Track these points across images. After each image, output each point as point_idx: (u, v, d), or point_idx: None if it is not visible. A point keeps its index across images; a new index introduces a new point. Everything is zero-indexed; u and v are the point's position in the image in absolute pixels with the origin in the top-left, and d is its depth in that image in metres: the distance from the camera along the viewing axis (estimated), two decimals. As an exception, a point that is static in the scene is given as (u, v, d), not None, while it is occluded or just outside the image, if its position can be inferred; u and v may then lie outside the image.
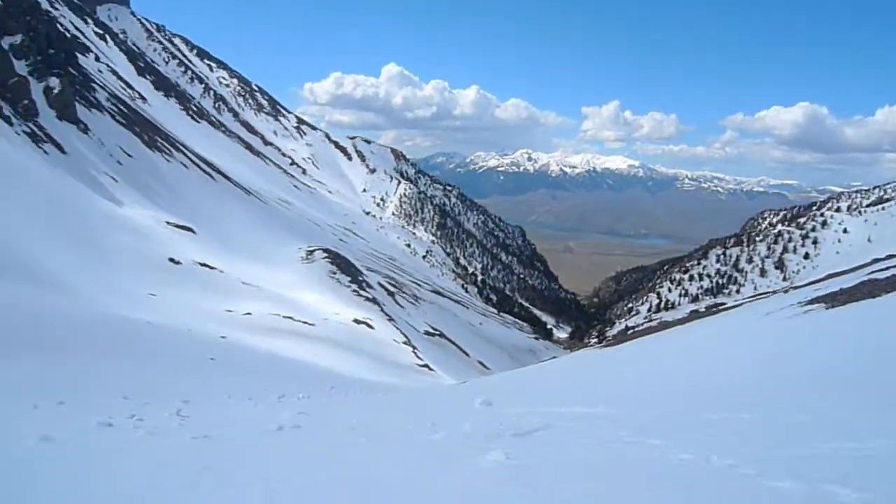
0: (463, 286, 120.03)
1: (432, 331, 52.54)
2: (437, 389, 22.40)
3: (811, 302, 17.47)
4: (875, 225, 75.42)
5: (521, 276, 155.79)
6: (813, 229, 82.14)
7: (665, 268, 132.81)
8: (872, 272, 21.88)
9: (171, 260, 37.51)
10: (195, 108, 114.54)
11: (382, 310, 46.60)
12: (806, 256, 77.72)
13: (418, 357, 37.55)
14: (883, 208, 79.89)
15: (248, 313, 33.75)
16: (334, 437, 5.79)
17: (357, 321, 40.71)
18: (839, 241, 77.15)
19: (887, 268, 21.33)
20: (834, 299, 16.54)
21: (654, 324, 64.60)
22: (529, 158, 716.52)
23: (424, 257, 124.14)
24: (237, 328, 29.82)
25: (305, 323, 35.62)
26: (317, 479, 3.68)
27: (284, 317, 35.39)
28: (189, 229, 45.50)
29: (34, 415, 7.20)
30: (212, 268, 39.72)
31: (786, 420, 4.78)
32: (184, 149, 68.54)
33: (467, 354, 51.40)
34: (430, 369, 35.44)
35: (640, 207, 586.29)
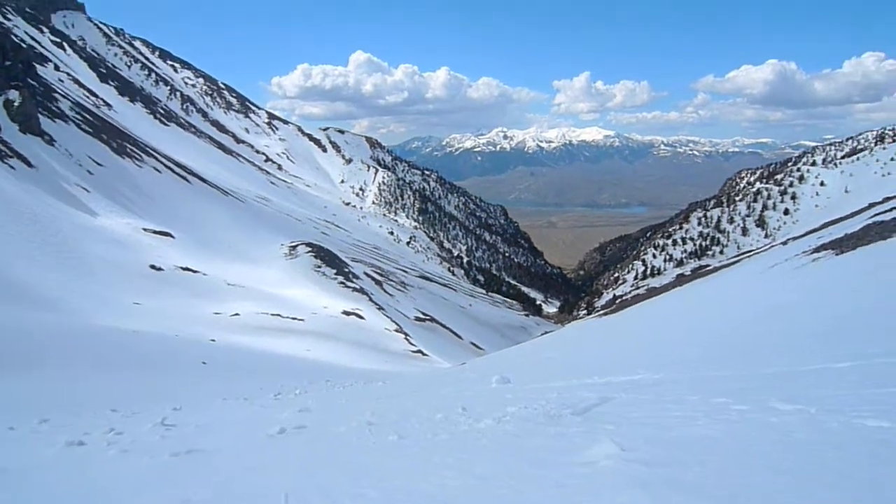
0: (449, 269, 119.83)
1: (423, 316, 52.35)
2: (438, 373, 22.22)
3: (817, 250, 17.01)
4: (851, 176, 76.22)
5: (507, 254, 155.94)
6: (791, 185, 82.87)
7: (648, 235, 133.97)
8: (875, 215, 21.44)
9: (153, 267, 36.80)
10: (162, 111, 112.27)
11: (371, 299, 46.27)
12: (786, 212, 78.48)
13: (411, 343, 37.38)
14: (857, 159, 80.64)
15: (237, 314, 33.29)
16: (353, 436, 4.81)
17: (346, 313, 40.38)
18: (817, 194, 77.94)
19: (891, 209, 20.86)
20: (841, 245, 16.05)
21: (641, 291, 65.08)
22: (505, 137, 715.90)
23: (408, 243, 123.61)
24: (226, 330, 29.40)
25: (294, 319, 35.23)
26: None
27: (273, 314, 34.96)
28: (168, 234, 44.67)
29: (5, 438, 6.66)
30: (195, 271, 39.07)
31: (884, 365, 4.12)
32: (154, 153, 67.16)
33: (460, 337, 51.34)
34: (424, 354, 35.30)
35: (618, 177, 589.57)
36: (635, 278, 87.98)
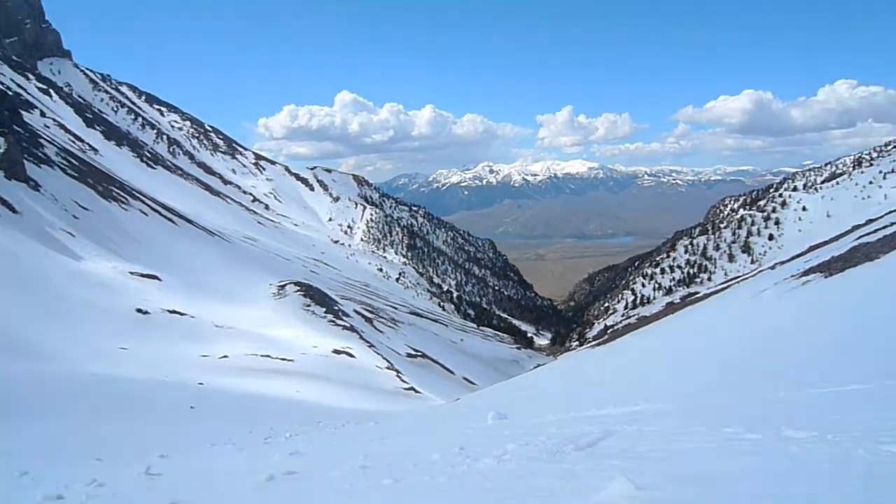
0: (440, 304, 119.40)
1: (414, 352, 51.89)
2: (432, 410, 21.88)
3: (805, 273, 17.19)
4: (832, 200, 77.48)
5: (496, 287, 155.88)
6: (773, 210, 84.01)
7: (636, 264, 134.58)
8: (860, 237, 21.61)
9: (139, 310, 36.32)
10: (149, 155, 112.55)
11: (361, 337, 45.85)
12: (770, 238, 79.35)
13: (403, 380, 36.92)
14: (837, 183, 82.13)
15: (225, 356, 32.78)
16: (346, 482, 4.52)
17: (337, 351, 39.92)
18: (800, 219, 78.98)
19: (875, 230, 21.11)
20: (829, 267, 16.34)
21: (632, 320, 65.00)
22: (491, 171, 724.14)
23: (398, 280, 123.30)
24: (215, 373, 28.89)
25: (284, 359, 34.74)
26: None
27: (262, 356, 34.46)
28: (154, 277, 44.25)
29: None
30: (182, 314, 38.59)
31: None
32: (141, 196, 67.04)
33: (452, 372, 50.85)
34: (417, 391, 34.85)
35: (604, 208, 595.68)
36: (625, 308, 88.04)
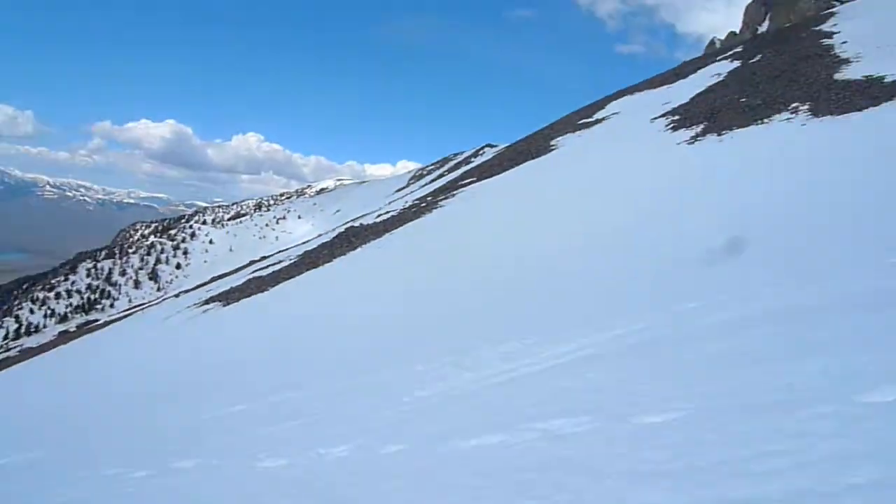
0: None
1: None
2: None
3: (207, 302, 18.72)
4: (235, 236, 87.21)
5: None
6: (183, 240, 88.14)
7: (25, 286, 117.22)
8: (254, 271, 24.76)
9: None
10: None
11: None
12: (178, 266, 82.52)
13: None
14: (241, 222, 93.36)
15: None
16: None
17: None
18: (207, 251, 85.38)
19: (267, 266, 24.52)
20: (228, 297, 18.23)
21: (13, 353, 56.01)
22: None
23: None
24: None
25: None
26: None
27: None
28: None
29: None
30: None
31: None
32: None
33: None
34: None
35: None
36: (6, 338, 75.40)
